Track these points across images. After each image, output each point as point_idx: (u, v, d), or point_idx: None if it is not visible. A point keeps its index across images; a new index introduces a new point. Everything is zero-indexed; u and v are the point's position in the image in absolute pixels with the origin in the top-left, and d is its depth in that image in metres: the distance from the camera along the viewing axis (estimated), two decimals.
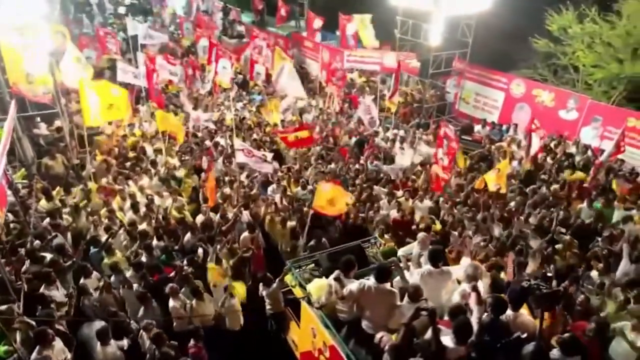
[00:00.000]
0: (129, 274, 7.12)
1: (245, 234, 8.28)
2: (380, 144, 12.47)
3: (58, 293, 6.28)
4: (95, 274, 7.02)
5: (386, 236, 7.75)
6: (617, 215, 9.35)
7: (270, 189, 9.97)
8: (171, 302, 6.61)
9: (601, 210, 9.51)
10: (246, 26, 22.57)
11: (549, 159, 11.92)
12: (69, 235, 7.94)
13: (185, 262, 7.35)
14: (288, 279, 6.34)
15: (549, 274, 6.05)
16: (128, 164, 10.67)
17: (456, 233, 8.33)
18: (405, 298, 4.27)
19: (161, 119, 11.29)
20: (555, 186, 10.64)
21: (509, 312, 4.01)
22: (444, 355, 3.32)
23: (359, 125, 13.99)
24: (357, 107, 16.22)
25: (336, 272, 4.74)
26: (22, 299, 5.95)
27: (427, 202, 9.65)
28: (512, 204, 9.64)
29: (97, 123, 10.17)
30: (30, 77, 9.54)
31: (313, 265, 6.35)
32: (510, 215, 9.03)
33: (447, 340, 3.66)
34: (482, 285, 4.54)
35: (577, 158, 11.87)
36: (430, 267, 4.63)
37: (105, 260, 7.34)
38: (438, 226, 8.63)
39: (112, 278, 7.04)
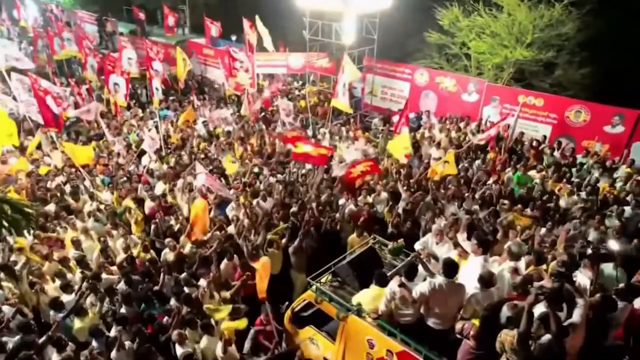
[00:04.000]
0: (112, 333, 6.14)
1: (225, 261, 7.70)
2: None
3: None
4: (70, 345, 5.89)
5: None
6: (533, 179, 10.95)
7: (229, 208, 9.38)
8: (179, 350, 5.89)
9: (521, 177, 11.01)
10: (130, 38, 20.54)
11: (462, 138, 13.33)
12: None
13: (174, 303, 6.60)
14: (309, 295, 6.10)
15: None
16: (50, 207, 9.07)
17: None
18: (476, 284, 4.46)
19: (72, 152, 9.83)
20: (478, 162, 12.03)
21: None
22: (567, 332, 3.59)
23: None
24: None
25: (397, 279, 4.72)
26: None
27: (384, 195, 10.08)
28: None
29: None
30: None
31: (330, 277, 6.24)
32: (461, 193, 9.94)
33: (541, 308, 3.96)
34: (523, 262, 4.98)
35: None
36: (485, 256, 4.91)
37: (78, 324, 6.19)
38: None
39: (94, 343, 5.99)
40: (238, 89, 16.32)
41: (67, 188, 10.02)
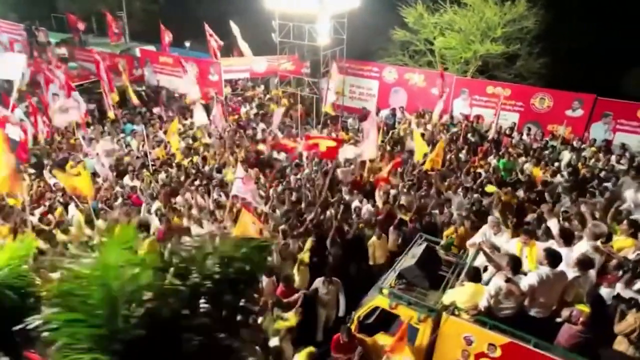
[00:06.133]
0: None
1: (265, 278, 7.31)
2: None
3: None
4: None
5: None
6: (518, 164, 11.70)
7: None
8: None
9: (507, 163, 11.68)
10: (69, 48, 18.75)
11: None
12: None
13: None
14: (380, 301, 5.97)
15: None
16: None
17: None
18: (574, 268, 4.66)
19: (64, 179, 8.81)
20: (463, 152, 12.60)
21: None
22: None
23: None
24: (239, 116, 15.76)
25: (501, 275, 4.77)
26: None
27: (393, 192, 10.21)
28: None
29: None
30: None
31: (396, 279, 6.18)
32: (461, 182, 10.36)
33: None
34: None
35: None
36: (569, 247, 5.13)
37: None
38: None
39: None
40: (205, 97, 15.64)
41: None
